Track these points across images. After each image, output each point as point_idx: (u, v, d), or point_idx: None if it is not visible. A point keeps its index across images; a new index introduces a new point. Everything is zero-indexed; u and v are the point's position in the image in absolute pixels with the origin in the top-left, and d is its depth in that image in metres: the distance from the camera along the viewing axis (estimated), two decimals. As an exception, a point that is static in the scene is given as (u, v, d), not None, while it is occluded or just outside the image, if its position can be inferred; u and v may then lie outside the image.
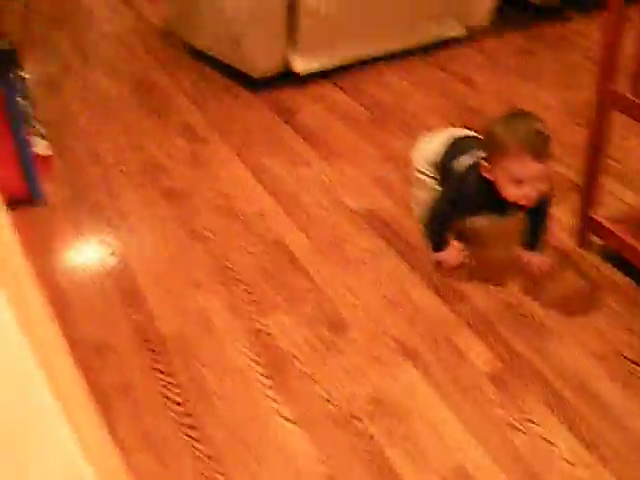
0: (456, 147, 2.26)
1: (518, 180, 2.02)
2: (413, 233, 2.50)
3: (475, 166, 2.14)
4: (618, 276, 2.35)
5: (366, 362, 2.06)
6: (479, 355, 2.08)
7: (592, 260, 2.39)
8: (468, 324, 2.18)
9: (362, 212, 2.62)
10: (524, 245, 2.32)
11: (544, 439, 1.86)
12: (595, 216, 2.36)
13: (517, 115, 2.14)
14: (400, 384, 2.00)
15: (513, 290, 2.30)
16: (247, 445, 1.85)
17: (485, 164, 2.09)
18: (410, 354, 2.08)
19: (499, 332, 2.15)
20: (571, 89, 3.41)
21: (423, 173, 2.35)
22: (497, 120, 2.09)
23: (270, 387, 1.99)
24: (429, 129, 2.93)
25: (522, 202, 2.08)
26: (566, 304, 2.25)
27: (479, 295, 2.27)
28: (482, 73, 3.55)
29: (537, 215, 2.24)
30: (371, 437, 1.86)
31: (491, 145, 2.08)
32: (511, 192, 2.06)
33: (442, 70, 3.58)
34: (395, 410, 1.93)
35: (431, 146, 2.34)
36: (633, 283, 2.31)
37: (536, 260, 2.31)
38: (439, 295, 2.28)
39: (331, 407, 1.94)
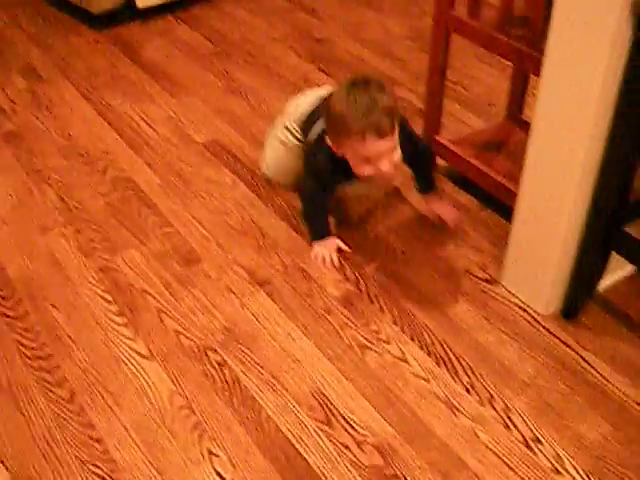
0: (317, 110, 2.12)
1: (367, 158, 1.91)
2: (257, 160, 2.48)
3: (323, 137, 2.01)
4: (463, 196, 2.40)
5: (218, 293, 2.05)
6: (330, 280, 2.10)
7: (438, 183, 2.43)
8: (319, 250, 2.19)
9: (208, 145, 2.58)
10: (420, 190, 2.28)
11: (397, 357, 1.90)
12: (439, 138, 2.39)
13: (357, 87, 1.89)
14: (252, 312, 2.00)
15: (364, 216, 2.31)
16: (103, 385, 1.82)
17: (329, 140, 1.97)
18: (261, 282, 2.08)
19: (349, 257, 2.17)
20: (415, 16, 3.45)
21: (289, 131, 2.23)
22: (337, 94, 1.91)
23: (124, 325, 1.96)
24: (275, 59, 2.91)
25: (378, 177, 1.98)
26: (414, 227, 2.28)
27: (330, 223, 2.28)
28: (326, 2, 3.53)
29: (421, 163, 2.23)
30: (227, 367, 1.86)
31: (332, 123, 1.93)
32: (363, 170, 1.95)
33: (285, 0, 3.54)
34: (249, 339, 1.93)
35: (304, 105, 2.21)
36: (477, 203, 2.37)
37: (447, 212, 2.26)
38: (288, 223, 2.27)
39: (185, 340, 1.92)
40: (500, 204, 2.26)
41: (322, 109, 2.02)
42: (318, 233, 2.17)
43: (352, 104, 1.85)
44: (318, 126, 2.07)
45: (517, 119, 2.54)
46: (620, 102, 1.64)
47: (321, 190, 2.11)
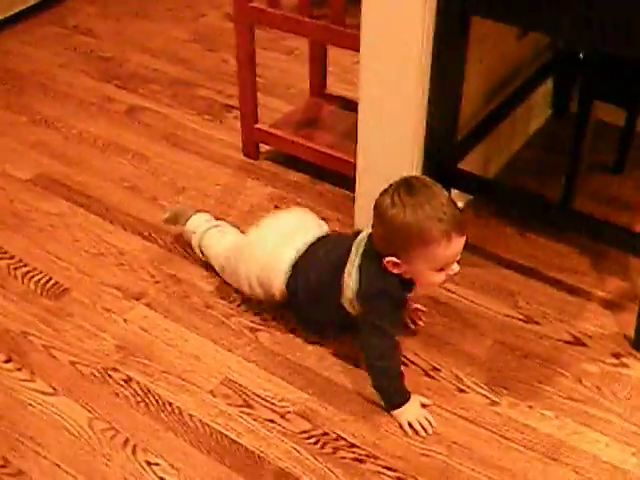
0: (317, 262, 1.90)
1: (447, 263, 1.71)
2: (89, 184, 2.54)
3: (381, 267, 1.75)
4: (293, 175, 2.56)
5: (99, 316, 2.08)
6: (202, 278, 2.19)
7: (267, 167, 2.58)
8: (181, 254, 2.28)
9: (35, 179, 2.58)
10: None
11: (285, 330, 2.04)
12: (259, 126, 2.53)
13: (415, 190, 1.68)
14: (139, 326, 2.06)
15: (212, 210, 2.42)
16: (20, 432, 1.81)
17: (393, 260, 1.72)
18: (137, 296, 2.14)
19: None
20: (191, 19, 3.55)
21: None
22: (395, 207, 1.67)
23: (16, 370, 1.95)
24: (70, 85, 2.92)
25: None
26: (260, 212, 2.41)
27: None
28: (100, 22, 3.55)
29: None
30: (134, 381, 1.91)
31: (404, 239, 1.67)
32: (435, 279, 1.74)
33: (60, 27, 3.53)
34: (144, 350, 1.99)
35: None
36: (308, 177, 2.53)
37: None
38: (140, 236, 2.35)
39: (82, 368, 1.95)
40: (330, 174, 2.45)
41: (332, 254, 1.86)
42: (403, 394, 1.82)
43: (421, 209, 1.64)
44: (354, 271, 1.80)
45: (322, 94, 2.72)
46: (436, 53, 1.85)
47: (394, 334, 1.82)
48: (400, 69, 1.90)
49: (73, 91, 3.05)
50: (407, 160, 2.03)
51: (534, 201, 2.14)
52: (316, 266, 1.88)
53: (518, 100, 2.38)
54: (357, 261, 1.78)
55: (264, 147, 2.63)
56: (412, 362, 1.94)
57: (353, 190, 2.25)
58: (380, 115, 2.00)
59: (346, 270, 1.79)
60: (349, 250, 1.81)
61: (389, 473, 1.71)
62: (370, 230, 1.79)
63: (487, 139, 2.32)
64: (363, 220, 2.22)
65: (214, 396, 1.87)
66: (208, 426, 1.80)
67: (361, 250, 1.79)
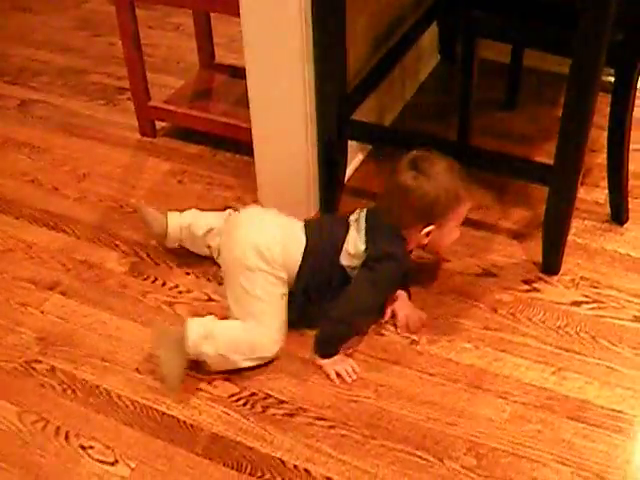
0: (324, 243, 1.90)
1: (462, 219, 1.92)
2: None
3: (396, 240, 1.87)
4: (193, 148, 2.57)
5: (14, 311, 2.06)
6: (112, 261, 2.19)
7: (166, 143, 2.58)
8: (90, 240, 2.27)
9: None
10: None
11: (204, 300, 2.05)
12: (152, 103, 2.52)
13: (427, 161, 1.85)
14: (56, 315, 2.05)
15: (116, 192, 2.41)
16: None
17: (430, 229, 1.86)
18: (50, 286, 2.12)
19: (119, 235, 2.28)
20: (72, 7, 3.54)
21: (262, 269, 1.85)
22: (423, 181, 1.81)
23: None
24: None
25: None
26: (164, 188, 2.44)
27: (84, 212, 2.37)
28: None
29: None
30: (58, 370, 1.91)
31: (444, 205, 1.82)
32: (457, 233, 1.95)
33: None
34: (65, 339, 1.98)
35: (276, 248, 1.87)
36: (207, 148, 2.55)
37: (409, 317, 1.98)
38: (45, 225, 2.33)
39: (4, 364, 1.93)
40: (229, 143, 2.48)
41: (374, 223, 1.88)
42: (337, 348, 1.89)
43: (445, 175, 1.83)
44: (360, 243, 1.86)
45: (212, 66, 2.72)
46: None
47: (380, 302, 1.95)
48: (281, 26, 1.92)
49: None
50: (301, 117, 2.05)
51: (431, 142, 2.17)
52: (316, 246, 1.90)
53: (406, 47, 2.42)
54: (363, 232, 1.85)
55: (161, 124, 2.62)
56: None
57: (252, 155, 2.26)
58: (267, 76, 2.02)
59: (348, 239, 1.87)
60: (346, 228, 1.89)
61: (320, 423, 1.74)
62: (364, 211, 1.91)
63: (379, 89, 2.35)
64: (264, 184, 2.24)
65: (140, 373, 1.87)
66: (138, 403, 1.81)
67: (363, 225, 1.86)
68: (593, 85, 1.77)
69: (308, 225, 1.93)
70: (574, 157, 1.89)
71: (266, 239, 1.85)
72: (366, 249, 1.84)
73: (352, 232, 1.87)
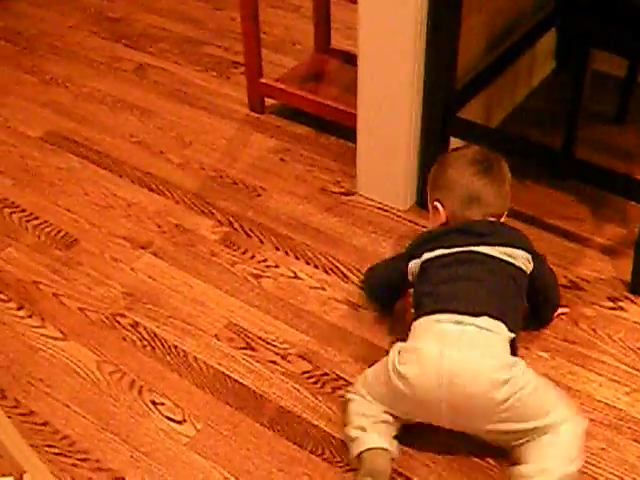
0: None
1: None
2: (98, 140, 2.60)
3: None
4: (299, 128, 2.60)
5: (107, 265, 2.14)
6: (206, 228, 2.24)
7: (272, 120, 2.62)
8: (187, 205, 2.32)
9: (45, 137, 2.64)
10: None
11: (290, 277, 2.08)
12: (264, 80, 2.57)
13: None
14: (145, 273, 2.12)
15: (218, 163, 2.47)
16: (31, 375, 1.87)
17: None
18: (144, 245, 2.19)
19: (216, 205, 2.32)
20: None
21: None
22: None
23: (27, 316, 2.01)
24: (79, 45, 2.97)
25: None
26: (265, 164, 2.47)
27: (185, 178, 2.43)
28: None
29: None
30: (141, 326, 1.97)
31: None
32: None
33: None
34: (151, 297, 2.04)
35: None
36: (314, 131, 2.57)
37: None
38: (147, 188, 2.40)
39: (91, 314, 2.01)
40: (334, 127, 2.49)
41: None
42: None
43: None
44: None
45: (327, 50, 2.75)
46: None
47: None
48: (397, 19, 1.93)
49: (82, 51, 3.09)
50: (406, 109, 2.06)
51: (536, 149, 2.16)
52: None
53: (520, 50, 2.40)
54: None
55: (270, 102, 2.66)
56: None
57: (355, 142, 2.28)
58: (378, 65, 2.04)
59: None
60: None
61: (387, 410, 1.75)
62: None
63: (489, 89, 2.34)
64: (363, 171, 2.26)
65: (218, 339, 1.92)
66: (212, 368, 1.85)
67: None
68: None
69: None
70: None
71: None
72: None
73: None
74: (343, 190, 2.33)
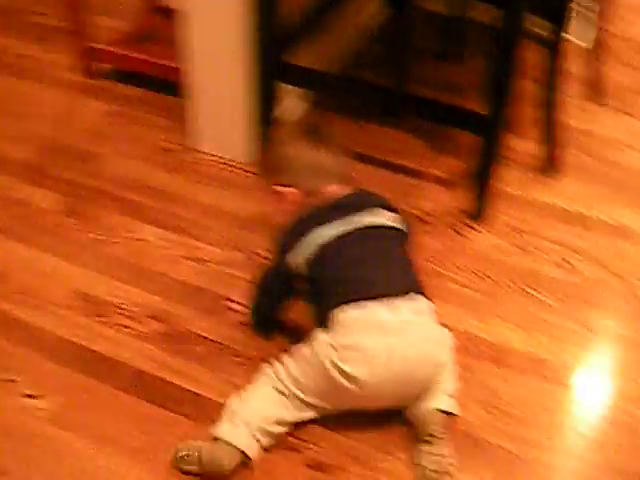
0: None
1: None
2: None
3: None
4: (132, 90, 2.56)
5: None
6: (47, 200, 2.18)
7: (104, 84, 2.58)
8: (25, 178, 2.27)
9: None
10: None
11: (136, 239, 2.06)
12: (94, 45, 2.51)
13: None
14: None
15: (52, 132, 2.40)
16: None
17: None
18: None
19: (55, 175, 2.27)
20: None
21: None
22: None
23: None
24: None
25: None
26: (100, 129, 2.43)
27: (20, 151, 2.36)
28: None
29: None
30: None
31: None
32: None
33: None
34: (-7, 275, 1.98)
35: None
36: (146, 90, 2.55)
37: None
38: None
39: None
40: (168, 86, 2.45)
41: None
42: None
43: None
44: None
45: (153, 9, 2.70)
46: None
47: None
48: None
49: None
50: (235, 60, 2.06)
51: (369, 89, 2.18)
52: None
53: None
54: None
55: (100, 66, 2.61)
56: (258, 255, 1.99)
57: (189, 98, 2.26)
58: (203, 18, 2.02)
59: None
60: None
61: (242, 360, 1.77)
62: None
63: (318, 33, 2.35)
64: (199, 125, 2.25)
65: (69, 309, 1.88)
66: (65, 339, 1.82)
67: None
68: (517, 35, 1.79)
69: None
70: (502, 107, 1.92)
71: None
72: None
73: None
74: (182, 148, 2.31)
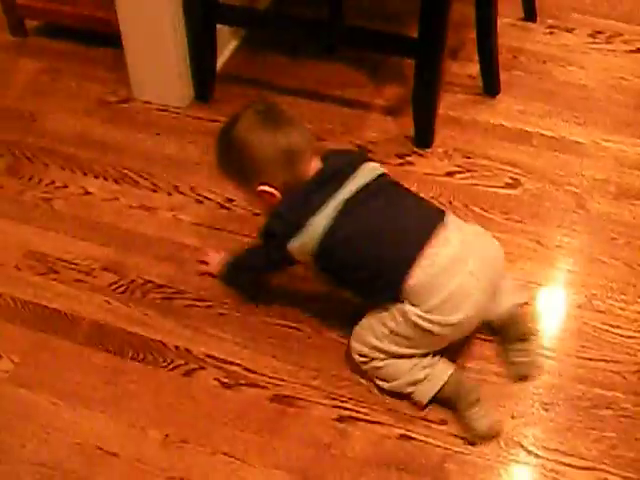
0: None
1: None
2: None
3: None
4: (66, 45, 2.51)
5: None
6: (-14, 163, 2.15)
7: (37, 42, 2.53)
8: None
9: None
10: None
11: (80, 194, 2.05)
12: (22, 2, 2.44)
13: None
14: None
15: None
16: None
17: None
18: None
19: None
20: None
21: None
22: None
23: None
24: None
25: None
26: (36, 87, 2.39)
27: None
28: None
29: None
30: None
31: None
32: None
33: None
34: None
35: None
36: (80, 44, 2.50)
37: None
38: None
39: None
40: (101, 37, 2.41)
41: None
42: None
43: None
44: None
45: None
46: None
47: None
48: None
49: None
50: (165, 4, 2.02)
51: (305, 24, 2.16)
52: None
53: None
54: None
55: (32, 23, 2.55)
56: (206, 198, 1.99)
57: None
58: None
59: None
60: None
61: (199, 304, 1.77)
62: None
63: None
64: (136, 76, 2.22)
65: (19, 270, 1.87)
66: (19, 299, 1.81)
67: None
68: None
69: None
70: (437, 29, 1.92)
71: None
72: None
73: None
74: (120, 99, 2.29)
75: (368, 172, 1.58)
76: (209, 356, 1.68)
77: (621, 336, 1.71)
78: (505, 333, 1.65)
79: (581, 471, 1.50)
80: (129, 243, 1.90)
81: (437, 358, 1.57)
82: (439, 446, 1.53)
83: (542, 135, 2.17)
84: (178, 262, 1.85)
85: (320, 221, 1.50)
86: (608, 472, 1.50)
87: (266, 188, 1.55)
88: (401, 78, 2.30)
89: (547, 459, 1.52)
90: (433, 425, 1.56)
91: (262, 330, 1.72)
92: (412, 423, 1.57)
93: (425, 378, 1.54)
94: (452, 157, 2.09)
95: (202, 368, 1.66)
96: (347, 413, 1.58)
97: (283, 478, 1.49)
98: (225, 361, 1.67)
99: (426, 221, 1.54)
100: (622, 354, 1.68)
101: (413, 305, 1.48)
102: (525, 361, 1.63)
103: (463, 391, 1.54)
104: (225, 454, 1.53)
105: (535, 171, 2.06)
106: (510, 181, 2.04)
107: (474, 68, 2.31)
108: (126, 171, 2.08)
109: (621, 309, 1.75)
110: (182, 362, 1.66)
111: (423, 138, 2.11)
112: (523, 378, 1.62)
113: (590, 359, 1.67)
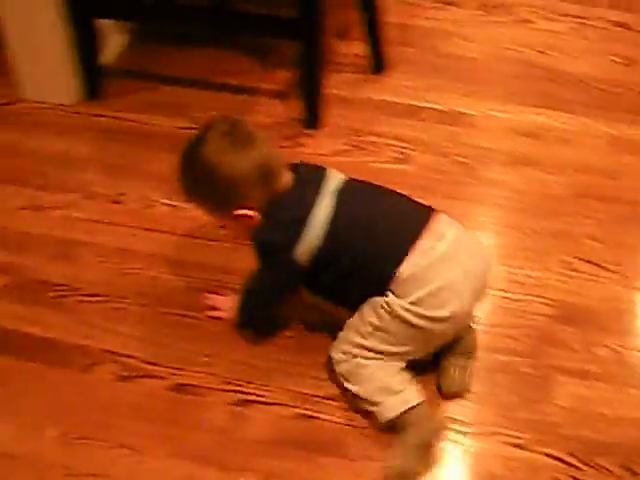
0: None
1: None
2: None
3: None
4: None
5: None
6: None
7: None
8: None
9: None
10: None
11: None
12: None
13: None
14: None
15: None
16: None
17: None
18: None
19: None
20: None
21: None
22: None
23: None
24: None
25: None
26: None
27: None
28: None
29: None
30: None
31: None
32: None
33: None
34: None
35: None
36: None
37: None
38: None
39: None
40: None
41: None
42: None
43: None
44: None
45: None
46: None
47: None
48: None
49: None
50: (48, 2, 2.00)
51: (188, 11, 2.15)
52: None
53: None
54: None
55: None
56: (97, 193, 1.98)
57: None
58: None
59: None
60: None
61: (94, 299, 1.77)
62: None
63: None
64: (22, 74, 2.19)
65: None
66: None
67: None
68: None
69: None
70: (313, 9, 1.93)
71: None
72: None
73: None
74: (6, 100, 2.25)
75: (338, 173, 1.59)
76: (106, 351, 1.67)
77: (514, 300, 1.75)
78: (453, 345, 1.60)
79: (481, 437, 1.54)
80: (21, 244, 1.88)
81: (415, 382, 1.53)
82: (339, 423, 1.55)
83: (431, 109, 2.21)
84: (71, 260, 1.84)
85: (322, 211, 1.49)
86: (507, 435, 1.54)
87: (245, 212, 1.50)
88: (290, 62, 2.31)
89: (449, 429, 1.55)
90: (333, 403, 1.58)
91: (158, 321, 1.73)
92: (310, 402, 1.58)
93: (400, 391, 1.50)
94: (341, 136, 2.12)
95: (99, 363, 1.66)
96: (245, 397, 1.60)
97: (185, 466, 1.50)
98: (122, 354, 1.67)
99: (419, 213, 1.54)
100: (515, 318, 1.71)
101: (399, 297, 1.46)
102: (461, 379, 1.59)
103: (424, 428, 1.49)
104: (125, 447, 1.53)
105: (424, 144, 2.10)
106: (400, 156, 2.08)
107: (361, 47, 2.33)
108: (16, 171, 2.05)
109: (511, 274, 1.79)
110: (79, 358, 1.66)
111: (312, 119, 2.13)
112: (454, 394, 1.59)
113: (486, 325, 1.70)
